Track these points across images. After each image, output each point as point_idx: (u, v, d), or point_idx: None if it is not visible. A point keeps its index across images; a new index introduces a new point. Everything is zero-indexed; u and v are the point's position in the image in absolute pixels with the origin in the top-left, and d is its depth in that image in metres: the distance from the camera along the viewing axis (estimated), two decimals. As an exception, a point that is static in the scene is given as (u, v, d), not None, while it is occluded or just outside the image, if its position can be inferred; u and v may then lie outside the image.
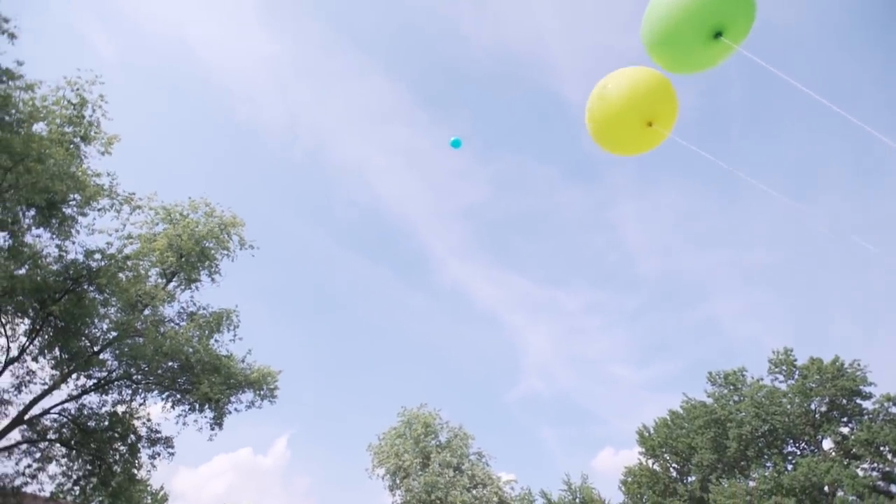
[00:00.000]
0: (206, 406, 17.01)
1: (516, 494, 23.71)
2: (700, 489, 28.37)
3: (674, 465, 31.09)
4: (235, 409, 17.96)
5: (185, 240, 16.67)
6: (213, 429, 17.47)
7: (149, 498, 38.52)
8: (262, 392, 18.10)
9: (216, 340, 17.69)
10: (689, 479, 30.08)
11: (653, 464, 31.15)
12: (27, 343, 15.42)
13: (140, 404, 17.42)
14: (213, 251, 17.75)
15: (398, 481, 21.26)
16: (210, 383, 16.05)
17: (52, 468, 16.48)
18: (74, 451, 16.54)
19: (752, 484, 25.83)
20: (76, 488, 16.66)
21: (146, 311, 16.19)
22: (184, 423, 17.38)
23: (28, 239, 13.79)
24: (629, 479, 31.28)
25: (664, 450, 30.71)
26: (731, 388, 29.35)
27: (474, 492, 22.21)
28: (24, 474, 16.09)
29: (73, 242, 14.79)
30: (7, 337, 15.56)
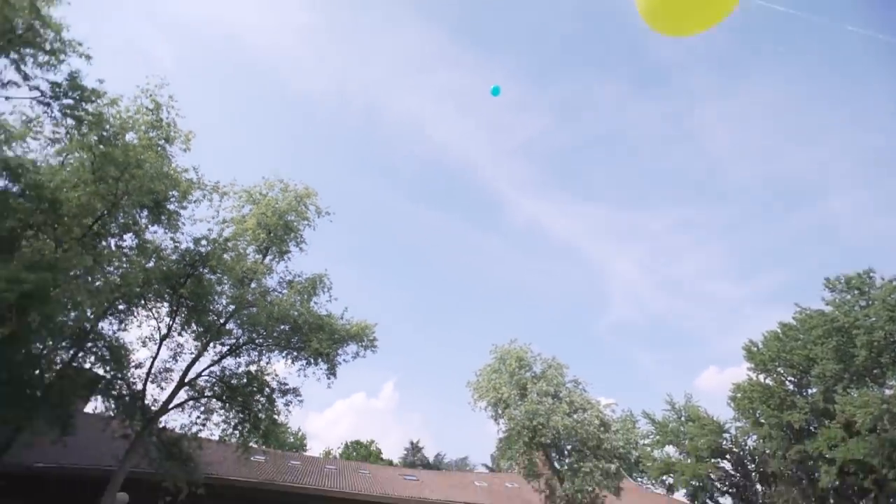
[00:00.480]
0: (319, 360, 18.76)
1: (617, 417, 23.42)
2: (823, 400, 25.78)
3: (789, 378, 28.45)
4: (344, 360, 19.66)
5: (269, 216, 17.82)
6: (329, 378, 19.36)
7: (291, 438, 45.35)
8: (363, 343, 19.45)
9: (315, 303, 19.18)
10: (810, 391, 27.42)
11: (765, 378, 28.82)
12: (171, 322, 17.93)
13: (266, 363, 19.77)
14: (295, 223, 18.84)
15: (500, 412, 22.01)
16: (318, 340, 17.56)
17: (215, 418, 19.48)
18: (227, 404, 19.32)
19: (888, 392, 22.79)
20: (236, 432, 19.60)
21: (252, 285, 17.87)
22: (304, 375, 19.45)
23: (148, 236, 15.67)
24: (739, 396, 29.40)
25: (777, 363, 28.13)
26: (856, 292, 25.44)
27: (575, 416, 22.25)
28: (196, 424, 19.27)
29: (182, 233, 16.54)
30: (156, 319, 18.23)
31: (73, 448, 18.62)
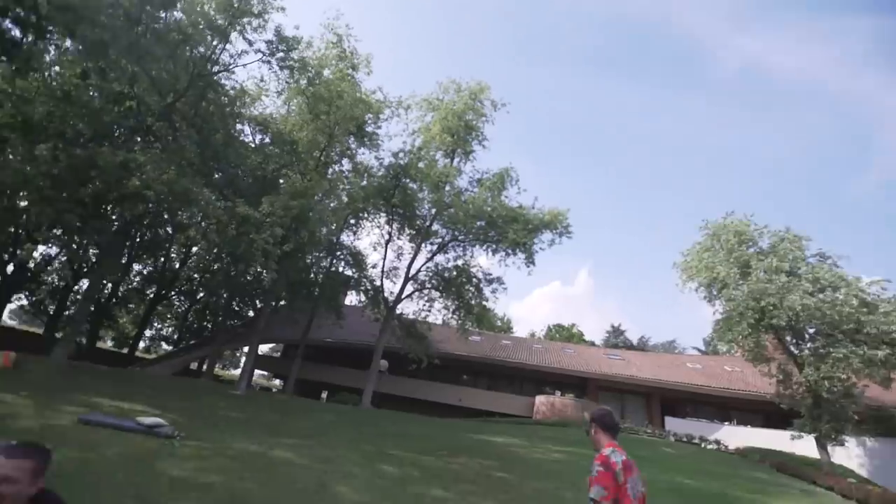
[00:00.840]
0: (517, 249, 20.33)
1: (889, 297, 18.99)
2: None
3: None
4: (540, 249, 20.83)
5: (450, 120, 18.93)
6: (528, 266, 21.01)
7: (499, 322, 51.64)
8: (557, 230, 20.05)
9: (505, 196, 20.36)
10: None
11: None
12: (390, 229, 21.75)
13: (470, 257, 22.55)
14: (473, 122, 19.58)
15: (715, 293, 20.39)
16: (514, 231, 18.94)
17: (437, 305, 23.67)
18: (444, 294, 23.07)
19: None
20: (454, 317, 23.51)
21: (447, 188, 19.88)
22: (505, 265, 21.55)
23: (358, 159, 18.73)
24: None
25: None
26: None
27: (821, 296, 19.10)
28: (422, 310, 23.82)
29: (382, 150, 19.19)
30: (378, 227, 22.38)
31: (346, 329, 25.59)
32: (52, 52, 14.89)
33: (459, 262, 21.97)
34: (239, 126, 18.06)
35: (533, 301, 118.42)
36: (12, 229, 19.33)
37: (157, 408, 9.63)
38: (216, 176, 16.71)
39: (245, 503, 4.84)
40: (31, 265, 22.52)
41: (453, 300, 22.72)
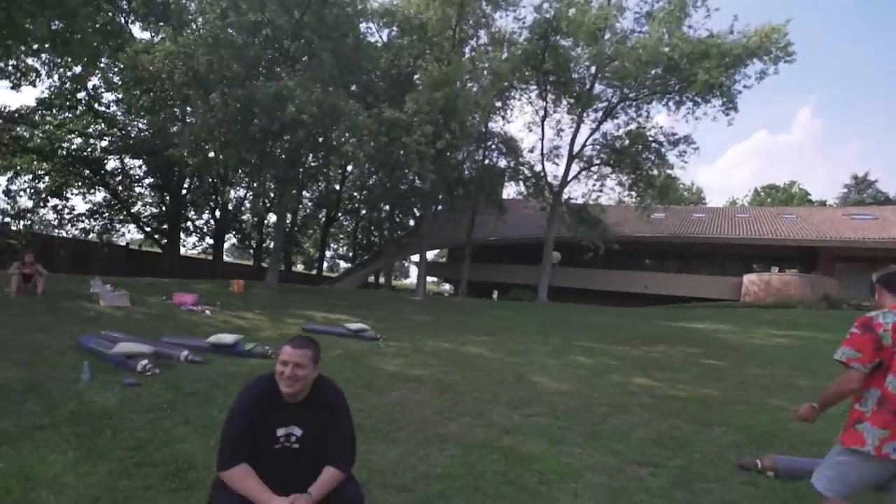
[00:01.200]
0: (710, 95, 17.23)
1: None
2: None
3: None
4: (745, 87, 17.28)
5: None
6: (727, 114, 17.76)
7: (685, 193, 46.48)
8: (770, 55, 16.19)
9: (689, 26, 16.86)
10: None
11: None
12: (544, 103, 20.61)
13: (646, 118, 20.09)
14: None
15: None
16: (705, 70, 15.84)
17: (609, 183, 22.33)
18: (616, 168, 21.48)
19: None
20: (631, 193, 21.94)
21: (606, 35, 17.33)
22: (695, 118, 18.62)
23: (495, 26, 17.43)
24: None
25: None
26: None
27: None
28: (593, 191, 22.77)
29: (522, 7, 17.32)
30: (531, 104, 21.41)
31: (509, 224, 26.27)
32: (194, 5, 16.99)
33: (632, 127, 19.74)
34: (364, 25, 18.34)
35: (728, 163, 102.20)
36: (209, 179, 24.15)
37: (355, 316, 11.59)
38: (353, 88, 17.68)
39: (455, 392, 5.58)
40: (231, 207, 28.19)
41: (628, 174, 21.01)
